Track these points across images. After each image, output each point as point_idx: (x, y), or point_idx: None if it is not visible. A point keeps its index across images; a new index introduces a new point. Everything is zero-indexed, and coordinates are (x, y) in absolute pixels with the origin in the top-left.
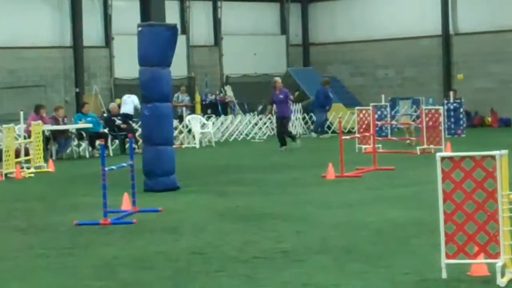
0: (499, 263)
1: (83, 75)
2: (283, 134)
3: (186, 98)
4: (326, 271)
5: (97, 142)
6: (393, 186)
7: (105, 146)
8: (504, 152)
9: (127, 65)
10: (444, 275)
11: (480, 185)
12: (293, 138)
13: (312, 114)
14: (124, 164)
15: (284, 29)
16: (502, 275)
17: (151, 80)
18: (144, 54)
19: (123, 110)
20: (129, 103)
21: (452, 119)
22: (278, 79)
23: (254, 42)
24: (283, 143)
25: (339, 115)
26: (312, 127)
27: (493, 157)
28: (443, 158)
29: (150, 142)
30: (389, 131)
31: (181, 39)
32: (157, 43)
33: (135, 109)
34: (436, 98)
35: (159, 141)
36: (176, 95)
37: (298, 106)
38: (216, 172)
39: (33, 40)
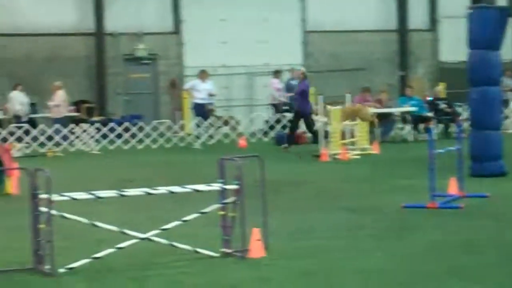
0: None
1: (408, 58)
2: None
3: (511, 83)
4: (335, 251)
5: (421, 125)
6: None
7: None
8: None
9: (453, 48)
10: None
11: None
12: None
13: None
14: (452, 148)
15: None
16: None
17: (480, 63)
18: (474, 37)
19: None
20: None
21: None
22: None
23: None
24: None
25: None
26: None
27: None
28: None
29: (479, 126)
30: None
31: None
32: (488, 26)
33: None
34: None
35: (487, 126)
36: (501, 78)
37: None
38: None
39: (358, 24)
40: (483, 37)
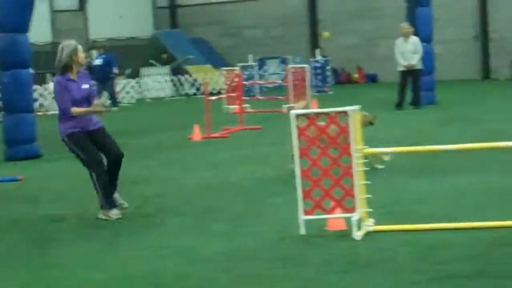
0: (355, 217)
1: None
2: None
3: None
4: (187, 232)
5: None
6: (259, 145)
7: None
8: (357, 107)
9: None
10: (302, 231)
11: (335, 141)
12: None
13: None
14: None
15: None
16: (358, 228)
17: (9, 47)
18: (1, 20)
19: None
20: None
21: (319, 77)
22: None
23: (120, 5)
24: None
25: (207, 76)
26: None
27: (346, 112)
28: (297, 116)
29: (11, 109)
30: (257, 91)
31: (44, 4)
32: (15, 9)
33: None
34: (303, 56)
35: (19, 109)
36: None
37: (167, 69)
38: None
39: None
40: (11, 20)
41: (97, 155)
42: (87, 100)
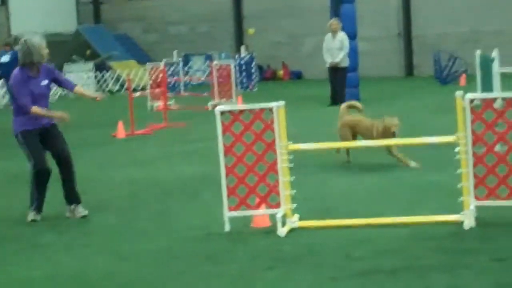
0: (279, 213)
1: None
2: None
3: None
4: (112, 230)
5: None
6: (183, 142)
7: None
8: (281, 103)
9: None
10: (227, 228)
11: (260, 137)
12: None
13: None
14: None
15: None
16: (283, 224)
17: None
18: None
19: None
20: None
21: (244, 74)
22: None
23: (42, 2)
24: None
25: (131, 72)
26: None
27: (270, 109)
28: (222, 112)
29: None
30: (181, 87)
31: None
32: None
33: None
34: (229, 53)
35: None
36: None
37: (90, 65)
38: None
39: None
40: None
41: (42, 160)
42: (45, 96)
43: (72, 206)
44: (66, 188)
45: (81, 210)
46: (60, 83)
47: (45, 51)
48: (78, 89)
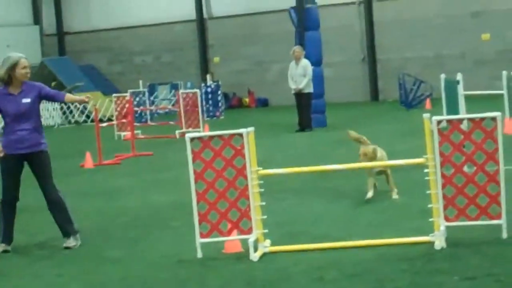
0: (251, 238)
1: None
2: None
3: None
4: (82, 259)
5: None
6: (152, 171)
7: None
8: (251, 129)
9: None
10: (199, 254)
11: (230, 163)
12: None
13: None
14: None
15: (37, 19)
16: (255, 249)
17: None
18: None
19: None
20: None
21: (211, 102)
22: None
23: (5, 34)
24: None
25: (96, 104)
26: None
27: (241, 134)
28: (192, 139)
29: None
30: (148, 117)
31: None
32: None
33: None
34: (194, 82)
35: None
36: None
37: None
38: None
39: None
40: None
41: (10, 190)
42: (28, 114)
43: (65, 239)
44: (56, 222)
45: (68, 242)
46: (50, 97)
47: (22, 71)
48: (68, 96)
